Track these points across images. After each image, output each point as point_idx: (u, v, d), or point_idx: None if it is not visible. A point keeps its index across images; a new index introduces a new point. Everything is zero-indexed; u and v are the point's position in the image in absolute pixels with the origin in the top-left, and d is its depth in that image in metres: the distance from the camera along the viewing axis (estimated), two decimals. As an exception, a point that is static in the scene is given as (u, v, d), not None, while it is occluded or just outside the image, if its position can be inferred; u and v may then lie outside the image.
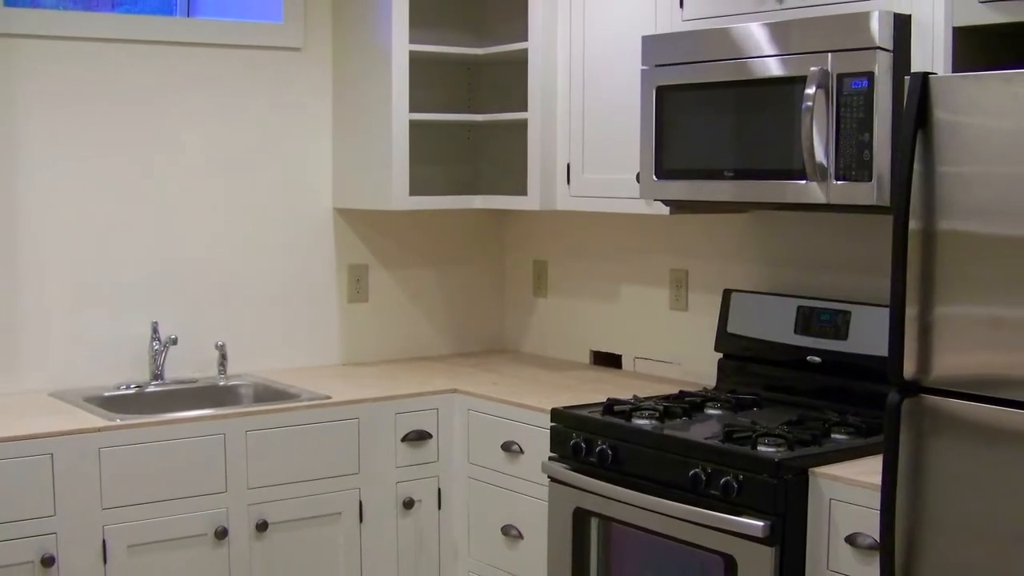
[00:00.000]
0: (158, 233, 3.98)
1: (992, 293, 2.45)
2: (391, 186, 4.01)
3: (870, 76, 2.88)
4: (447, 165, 4.40)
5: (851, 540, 2.77)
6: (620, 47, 3.66)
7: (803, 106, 2.97)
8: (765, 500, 2.87)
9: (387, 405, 3.79)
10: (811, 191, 3.02)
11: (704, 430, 3.19)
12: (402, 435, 3.81)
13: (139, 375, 3.94)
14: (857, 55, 2.90)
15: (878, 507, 2.63)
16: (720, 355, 3.75)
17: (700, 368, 3.89)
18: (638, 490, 3.15)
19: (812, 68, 2.97)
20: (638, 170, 3.50)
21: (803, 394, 3.47)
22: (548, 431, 3.47)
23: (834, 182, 2.97)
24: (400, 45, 3.99)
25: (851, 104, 2.92)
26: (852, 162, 2.92)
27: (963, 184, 2.48)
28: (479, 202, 4.25)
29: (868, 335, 3.29)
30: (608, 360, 4.31)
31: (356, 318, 4.40)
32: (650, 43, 3.43)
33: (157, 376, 3.93)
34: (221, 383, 4.01)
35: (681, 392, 3.61)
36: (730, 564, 2.95)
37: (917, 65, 2.85)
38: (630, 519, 3.20)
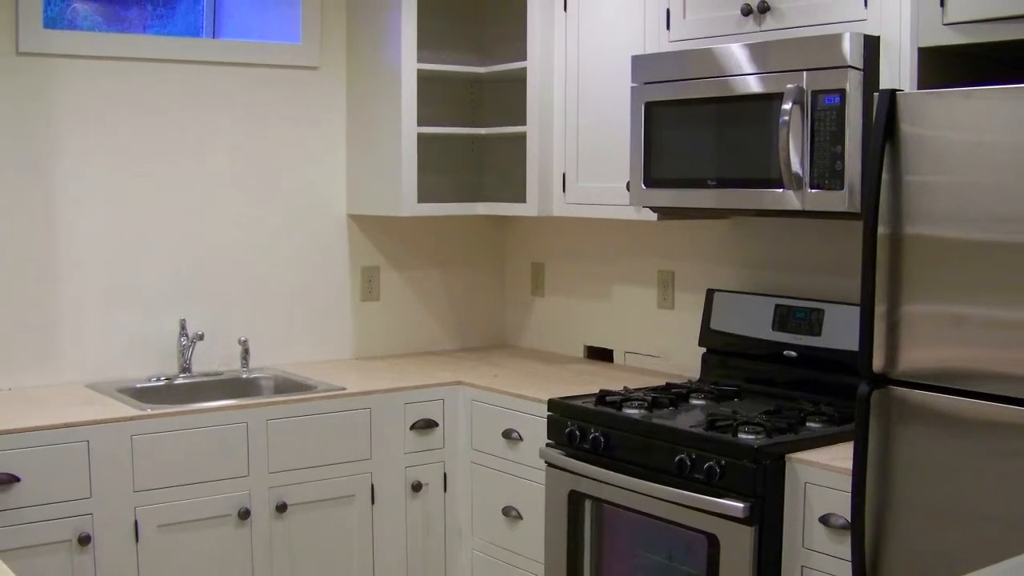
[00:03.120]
0: (186, 237, 3.98)
1: (954, 293, 2.45)
2: (401, 194, 4.01)
3: (842, 93, 2.88)
4: (452, 175, 4.40)
5: (825, 520, 2.77)
6: (612, 66, 3.66)
7: (780, 120, 2.97)
8: (745, 483, 2.87)
9: (397, 396, 3.79)
10: (788, 199, 3.02)
11: (689, 419, 3.19)
12: (411, 423, 3.81)
13: (168, 368, 3.94)
14: (830, 73, 2.91)
15: (849, 490, 2.63)
16: (704, 350, 3.75)
17: (685, 362, 3.89)
18: (628, 474, 3.15)
19: (788, 85, 2.97)
20: (628, 179, 3.50)
21: (780, 386, 3.47)
22: (545, 420, 3.47)
23: (809, 190, 2.97)
24: (409, 64, 3.99)
25: (824, 118, 2.92)
26: (825, 172, 2.92)
27: (928, 192, 2.49)
28: (482, 209, 4.25)
29: (840, 331, 3.29)
30: (600, 354, 4.31)
31: (368, 316, 4.40)
32: (639, 62, 3.43)
33: (185, 369, 3.93)
34: (244, 375, 4.01)
35: (668, 384, 3.61)
36: (713, 542, 2.95)
37: (885, 82, 2.86)
38: (621, 501, 3.21)
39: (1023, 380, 2.35)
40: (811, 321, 3.39)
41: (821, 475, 2.78)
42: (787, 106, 2.96)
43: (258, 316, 4.13)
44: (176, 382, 3.88)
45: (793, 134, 2.96)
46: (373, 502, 3.75)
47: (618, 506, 3.23)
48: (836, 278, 3.43)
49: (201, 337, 3.94)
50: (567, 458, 3.35)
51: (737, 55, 3.14)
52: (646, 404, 3.31)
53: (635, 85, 3.43)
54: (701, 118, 3.25)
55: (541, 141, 3.92)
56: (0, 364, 3.67)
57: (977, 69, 2.73)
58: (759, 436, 2.93)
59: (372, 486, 3.74)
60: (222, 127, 4.04)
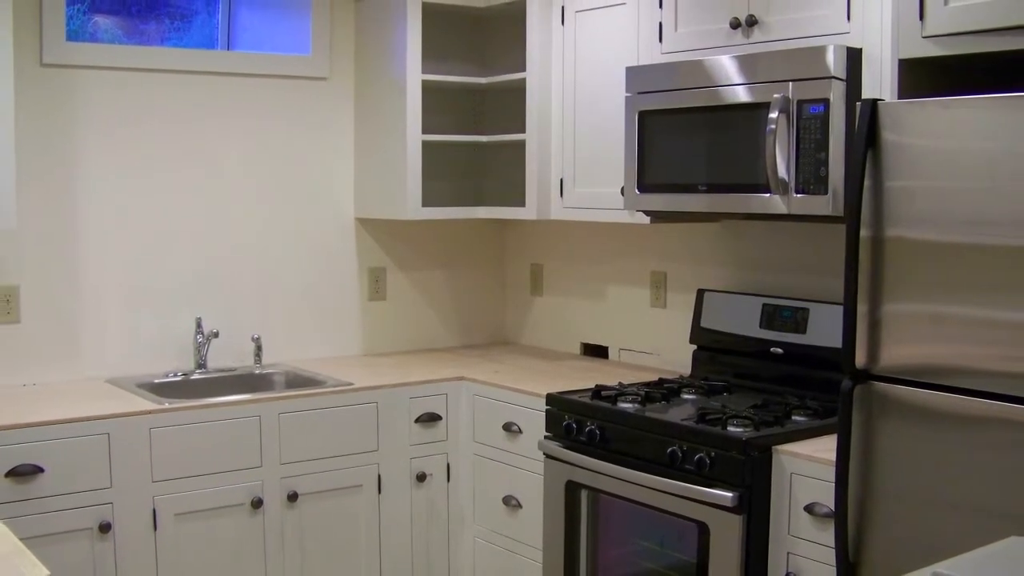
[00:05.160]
0: (202, 239, 3.98)
1: (933, 292, 2.45)
2: (406, 198, 4.02)
3: (826, 102, 2.88)
4: (455, 180, 4.41)
5: (809, 509, 2.77)
6: (607, 76, 3.66)
7: (767, 128, 2.98)
8: (734, 474, 2.87)
9: (402, 391, 3.79)
10: (774, 203, 3.02)
11: (680, 412, 3.20)
12: (415, 417, 3.81)
13: (185, 364, 3.94)
14: (815, 84, 2.91)
15: (833, 480, 2.63)
16: (694, 347, 3.75)
17: (677, 358, 3.89)
18: (623, 465, 3.15)
19: (775, 95, 2.98)
20: (623, 184, 3.50)
21: (767, 381, 3.47)
22: (544, 413, 3.48)
23: (794, 195, 2.97)
24: (414, 75, 3.99)
25: (809, 127, 2.92)
26: (810, 177, 2.93)
27: (907, 197, 2.49)
28: (483, 212, 4.25)
29: (824, 329, 3.30)
30: (596, 351, 4.31)
31: (375, 314, 4.40)
32: (633, 73, 3.44)
33: (201, 365, 3.93)
34: (257, 371, 4.01)
35: (660, 379, 3.61)
36: (703, 530, 2.96)
37: (867, 92, 2.86)
38: (615, 491, 3.21)
39: (998, 375, 2.35)
40: (797, 319, 3.40)
41: (806, 466, 2.79)
42: (774, 115, 2.96)
43: (270, 315, 4.14)
44: (192, 377, 3.88)
45: (779, 142, 2.97)
46: (380, 492, 3.75)
47: (613, 495, 3.23)
48: (820, 278, 3.43)
49: (216, 335, 3.94)
50: (565, 450, 3.35)
51: (726, 66, 3.14)
52: (640, 398, 3.31)
53: (629, 95, 3.44)
54: (692, 126, 3.26)
55: (540, 148, 3.92)
56: (25, 360, 3.67)
57: (955, 78, 2.73)
58: (747, 429, 2.94)
59: (379, 476, 3.74)
60: (236, 134, 4.04)
